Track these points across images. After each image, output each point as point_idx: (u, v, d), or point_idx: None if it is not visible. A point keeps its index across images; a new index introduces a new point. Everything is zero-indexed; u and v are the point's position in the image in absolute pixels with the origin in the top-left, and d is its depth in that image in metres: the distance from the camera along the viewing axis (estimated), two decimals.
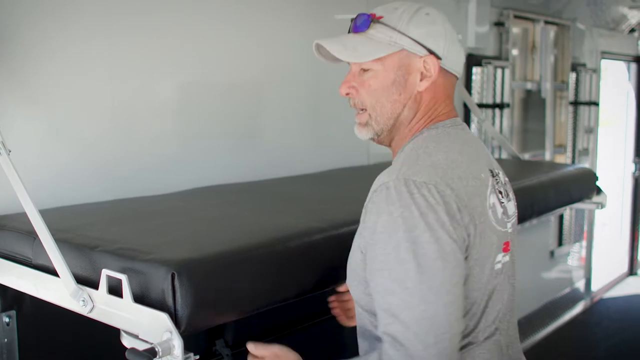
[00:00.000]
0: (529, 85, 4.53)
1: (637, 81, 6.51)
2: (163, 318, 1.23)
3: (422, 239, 1.20)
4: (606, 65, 5.88)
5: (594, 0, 4.98)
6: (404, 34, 1.37)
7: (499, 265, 1.34)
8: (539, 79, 4.55)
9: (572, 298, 5.45)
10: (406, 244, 1.20)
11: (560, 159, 4.97)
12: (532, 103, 4.69)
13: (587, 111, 5.22)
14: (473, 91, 3.82)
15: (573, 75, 4.97)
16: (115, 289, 1.31)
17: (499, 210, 1.35)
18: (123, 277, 1.28)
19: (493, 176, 1.39)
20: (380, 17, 1.40)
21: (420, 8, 1.40)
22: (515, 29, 4.29)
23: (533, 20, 4.42)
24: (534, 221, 4.71)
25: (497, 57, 4.06)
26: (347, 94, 1.43)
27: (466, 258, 1.26)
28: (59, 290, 1.43)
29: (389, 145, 1.46)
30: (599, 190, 2.90)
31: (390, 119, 1.41)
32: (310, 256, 1.57)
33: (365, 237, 1.28)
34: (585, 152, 5.29)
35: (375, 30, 1.39)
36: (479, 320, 1.32)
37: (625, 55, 6.18)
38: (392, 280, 1.21)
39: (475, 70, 3.81)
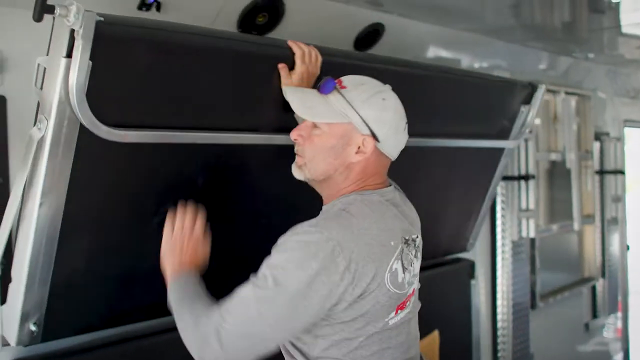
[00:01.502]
0: (553, 156, 4.52)
1: None
2: None
3: (289, 267, 1.42)
4: (630, 133, 5.86)
5: (613, 70, 5.01)
6: (355, 110, 1.54)
7: (392, 321, 1.55)
8: (562, 149, 4.54)
9: None
10: (278, 267, 1.43)
11: (589, 229, 4.91)
12: (557, 173, 4.66)
13: (613, 180, 5.18)
14: None
15: (597, 145, 4.95)
16: None
17: (401, 275, 1.54)
18: None
19: (406, 243, 1.58)
20: (344, 88, 1.57)
21: (380, 92, 1.58)
22: None
23: (554, 92, 4.45)
24: (566, 293, 4.64)
25: None
26: (295, 139, 1.62)
27: (335, 307, 1.45)
28: None
29: (320, 192, 1.66)
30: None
31: (321, 175, 1.60)
32: None
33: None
34: (615, 221, 5.21)
35: (334, 98, 1.56)
36: None
37: None
38: (252, 285, 1.44)
39: None
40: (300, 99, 1.60)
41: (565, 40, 3.84)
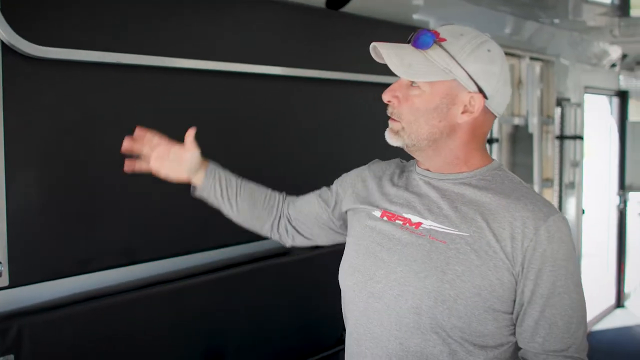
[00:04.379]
0: (516, 120, 4.58)
1: (618, 115, 6.61)
2: None
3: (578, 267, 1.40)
4: (589, 99, 5.96)
5: (576, 36, 5.07)
6: (460, 65, 1.37)
7: None
8: (525, 114, 4.60)
9: None
10: (578, 271, 1.39)
11: (547, 192, 5.02)
12: (519, 138, 4.73)
13: (572, 145, 5.29)
14: None
15: (558, 110, 5.03)
16: None
17: None
18: None
19: None
20: (443, 40, 1.39)
21: (484, 42, 1.41)
22: None
23: (519, 57, 4.49)
24: None
25: None
26: (389, 101, 1.44)
27: None
28: None
29: (426, 160, 1.49)
30: None
31: (424, 140, 1.42)
32: None
33: (535, 262, 1.35)
34: (572, 185, 5.33)
35: (434, 52, 1.38)
36: None
37: (607, 90, 6.28)
38: (570, 302, 1.36)
39: None
40: (397, 55, 1.39)
41: (532, 5, 3.86)
